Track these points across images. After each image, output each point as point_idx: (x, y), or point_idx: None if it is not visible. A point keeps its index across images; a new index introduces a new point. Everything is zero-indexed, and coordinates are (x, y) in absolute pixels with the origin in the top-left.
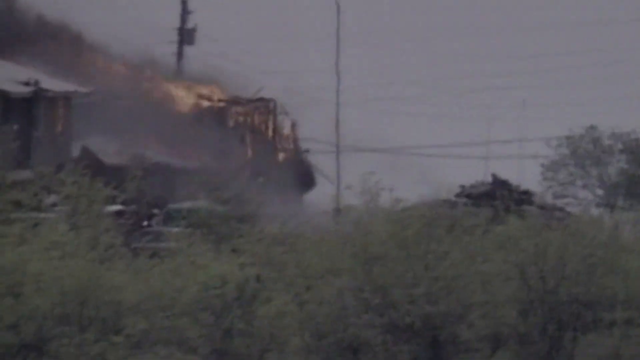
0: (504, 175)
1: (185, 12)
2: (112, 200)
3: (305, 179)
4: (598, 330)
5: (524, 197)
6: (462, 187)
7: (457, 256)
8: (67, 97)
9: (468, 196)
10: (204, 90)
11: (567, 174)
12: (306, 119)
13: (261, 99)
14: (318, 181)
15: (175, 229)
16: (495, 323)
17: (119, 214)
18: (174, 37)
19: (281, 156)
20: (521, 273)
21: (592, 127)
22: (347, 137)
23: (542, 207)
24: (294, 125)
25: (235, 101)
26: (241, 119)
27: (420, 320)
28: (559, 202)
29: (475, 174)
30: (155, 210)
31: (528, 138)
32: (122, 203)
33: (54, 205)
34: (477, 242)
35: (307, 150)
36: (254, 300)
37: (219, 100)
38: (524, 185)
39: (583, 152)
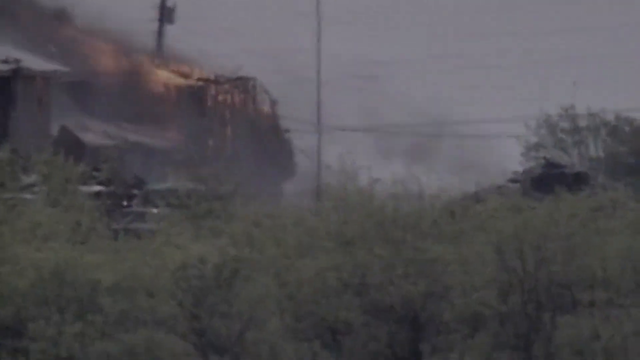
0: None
1: None
2: (91, 181)
3: (285, 159)
4: (577, 311)
5: (579, 179)
6: (515, 172)
7: (436, 238)
8: (46, 76)
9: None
10: (184, 69)
11: (546, 154)
12: (287, 98)
13: (241, 78)
14: (298, 162)
15: (155, 210)
16: (475, 304)
17: (97, 194)
18: (154, 15)
19: (261, 136)
20: (500, 254)
21: (571, 107)
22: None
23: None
24: (274, 104)
25: (214, 80)
26: (221, 98)
27: (400, 301)
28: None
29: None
30: (135, 191)
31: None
32: (101, 183)
33: (33, 185)
34: (457, 223)
35: (288, 130)
36: (234, 281)
37: (199, 79)
38: (505, 164)
39: (561, 132)
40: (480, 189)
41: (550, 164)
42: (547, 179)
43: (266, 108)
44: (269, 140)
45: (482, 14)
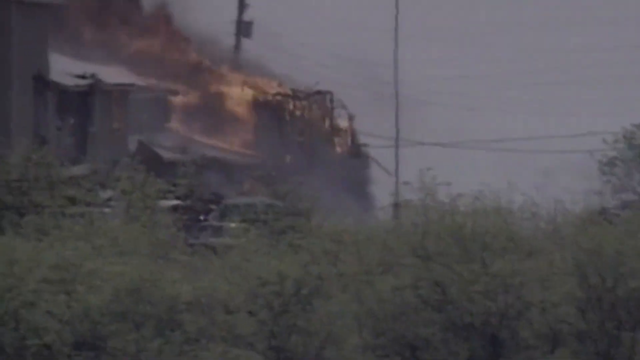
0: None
1: (242, 5)
2: (169, 195)
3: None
4: None
5: None
6: None
7: (515, 254)
8: (123, 91)
9: None
10: (261, 84)
11: (625, 168)
12: (365, 112)
13: (318, 92)
14: (377, 176)
15: (233, 224)
16: (554, 321)
17: (175, 208)
18: (231, 29)
19: (339, 150)
20: (579, 270)
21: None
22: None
23: None
24: (351, 119)
25: (292, 95)
26: (298, 112)
27: (479, 318)
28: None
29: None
30: (212, 206)
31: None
32: (178, 198)
33: (109, 200)
34: (534, 239)
35: (365, 145)
36: (313, 297)
37: (276, 94)
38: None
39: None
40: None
41: None
42: None
43: (343, 123)
44: (346, 155)
45: (561, 28)
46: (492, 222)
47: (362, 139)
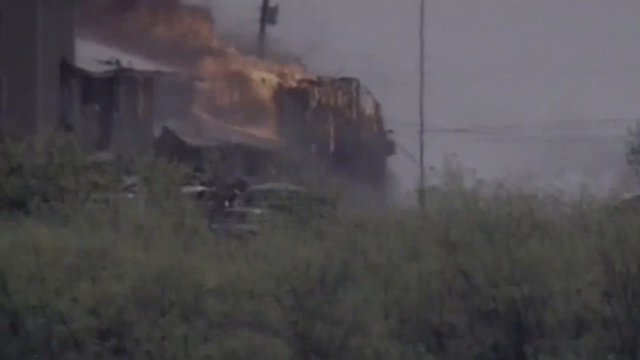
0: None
1: None
2: (194, 181)
3: (378, 165)
4: None
5: None
6: None
7: (539, 240)
8: (148, 77)
9: None
10: (286, 71)
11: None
12: (390, 99)
13: (343, 79)
14: (402, 163)
15: (257, 211)
16: (578, 308)
17: (200, 195)
18: (257, 16)
19: (364, 137)
20: (603, 257)
21: None
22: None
23: None
24: (377, 106)
25: (317, 82)
26: (324, 99)
27: (504, 305)
28: None
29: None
30: (237, 192)
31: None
32: (203, 184)
33: (133, 186)
34: (559, 225)
35: (391, 131)
36: (338, 285)
37: (302, 81)
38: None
39: None
40: None
41: None
42: None
43: (369, 110)
44: (372, 141)
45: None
46: (516, 208)
47: (387, 126)
